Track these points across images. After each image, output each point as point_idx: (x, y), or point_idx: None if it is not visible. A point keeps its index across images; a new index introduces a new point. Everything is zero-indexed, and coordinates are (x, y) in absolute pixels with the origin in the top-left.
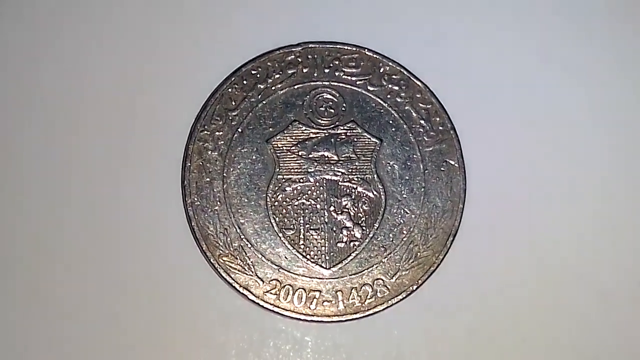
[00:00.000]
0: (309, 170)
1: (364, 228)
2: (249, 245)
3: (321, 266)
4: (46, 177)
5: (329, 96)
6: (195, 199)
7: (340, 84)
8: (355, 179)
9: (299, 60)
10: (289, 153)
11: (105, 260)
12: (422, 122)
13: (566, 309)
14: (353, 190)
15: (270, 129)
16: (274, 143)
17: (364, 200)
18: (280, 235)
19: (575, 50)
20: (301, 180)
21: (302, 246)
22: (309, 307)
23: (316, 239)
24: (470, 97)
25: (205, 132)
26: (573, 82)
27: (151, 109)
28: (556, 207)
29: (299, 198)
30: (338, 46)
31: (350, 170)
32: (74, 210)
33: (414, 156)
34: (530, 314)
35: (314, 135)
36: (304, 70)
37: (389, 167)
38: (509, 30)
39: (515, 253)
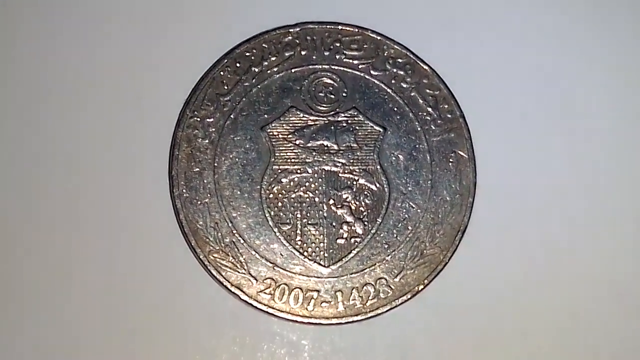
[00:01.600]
0: (307, 160)
1: (365, 223)
2: (242, 241)
3: (319, 264)
4: (22, 167)
5: (328, 81)
6: (184, 191)
7: (341, 68)
8: (357, 170)
9: (297, 41)
10: (285, 142)
11: (85, 255)
12: (429, 109)
13: (581, 312)
14: (354, 183)
15: (266, 116)
16: (269, 131)
17: (366, 193)
18: (276, 230)
19: (595, 34)
20: (298, 171)
21: (299, 242)
22: (306, 308)
23: (314, 235)
24: (481, 83)
25: (195, 118)
26: (592, 68)
27: (136, 93)
28: (573, 203)
29: (295, 190)
30: (339, 27)
31: (351, 161)
32: (53, 201)
33: (420, 146)
34: (544, 316)
35: (313, 123)
36: (302, 53)
37: (393, 158)
38: (525, 11)
39: (528, 251)
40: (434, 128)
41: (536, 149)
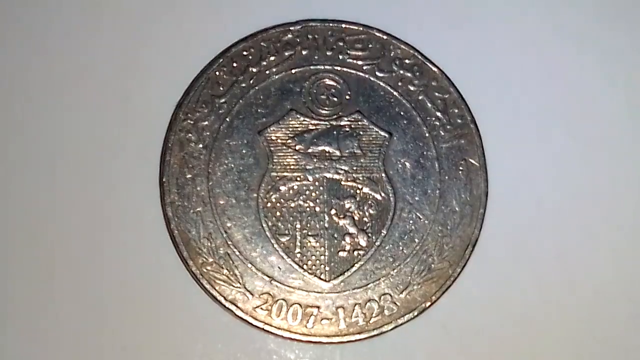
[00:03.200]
0: (307, 167)
1: (369, 235)
2: (237, 253)
3: (320, 278)
4: (3, 172)
5: (331, 82)
6: (176, 198)
7: (345, 69)
8: (361, 178)
9: (298, 40)
10: (284, 147)
11: (69, 266)
12: (438, 114)
13: (600, 332)
14: (358, 191)
15: (264, 119)
16: (267, 135)
17: (370, 202)
18: (273, 241)
19: (614, 35)
20: (298, 179)
21: (298, 255)
22: (306, 326)
23: (314, 247)
24: (493, 86)
25: (189, 121)
26: (610, 71)
27: (126, 94)
28: (591, 215)
29: (295, 199)
30: (343, 25)
31: (354, 168)
32: (36, 207)
33: (428, 153)
34: (561, 337)
35: (314, 127)
36: (303, 52)
37: (400, 165)
38: (541, 10)
39: (543, 267)
40: (443, 134)
41: (552, 156)
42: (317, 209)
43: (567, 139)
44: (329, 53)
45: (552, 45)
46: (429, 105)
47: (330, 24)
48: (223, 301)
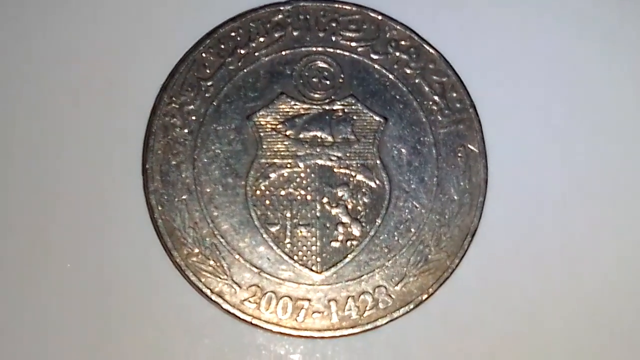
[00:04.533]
0: (298, 153)
1: (363, 224)
2: (224, 243)
3: (311, 270)
4: None
5: (323, 65)
6: (159, 186)
7: (338, 51)
8: (354, 165)
9: (288, 20)
10: (274, 132)
11: (48, 257)
12: (436, 97)
13: (605, 326)
14: (351, 179)
15: (252, 103)
16: (256, 120)
17: (364, 190)
18: (262, 231)
19: (620, 15)
20: (288, 166)
21: (288, 245)
22: (296, 320)
23: (305, 237)
24: (494, 69)
25: (173, 105)
26: (618, 53)
27: (107, 77)
28: (595, 203)
29: (285, 187)
30: (336, 4)
31: (348, 155)
32: (14, 195)
33: (425, 139)
34: (563, 330)
35: (305, 112)
36: (294, 33)
37: (395, 152)
38: None
39: (545, 258)
40: (440, 119)
41: (554, 142)
42: (309, 197)
43: (570, 124)
44: (321, 34)
45: (555, 26)
46: (426, 89)
47: (323, 4)
48: (209, 294)
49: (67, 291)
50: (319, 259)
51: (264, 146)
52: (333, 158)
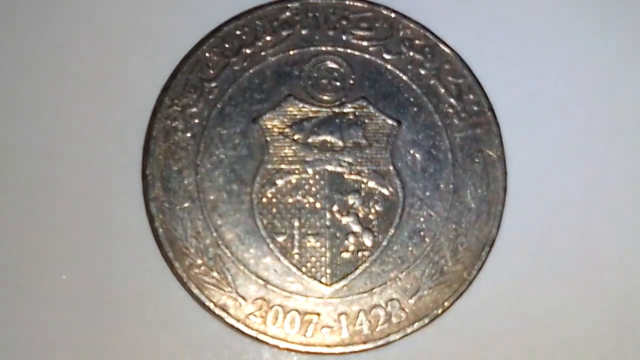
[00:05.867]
0: (307, 159)
1: (375, 234)
2: (229, 254)
3: (320, 282)
4: None
5: (333, 65)
6: (160, 193)
7: (348, 50)
8: (366, 171)
9: (296, 18)
10: (281, 137)
11: (41, 268)
12: (452, 100)
13: (630, 340)
14: (362, 186)
15: (259, 106)
16: (262, 123)
17: (376, 198)
18: (269, 241)
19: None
20: (296, 172)
21: (296, 256)
22: (304, 335)
23: (314, 247)
24: (512, 70)
25: (175, 107)
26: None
27: (105, 77)
28: (621, 212)
29: (293, 194)
30: (346, 2)
31: (359, 160)
32: (3, 203)
33: (441, 143)
34: (587, 346)
35: (314, 115)
36: (303, 32)
37: (409, 157)
38: None
39: (567, 269)
40: (457, 122)
41: (577, 147)
42: (318, 205)
43: (594, 127)
44: (330, 33)
45: (577, 24)
46: (442, 90)
47: (333, 1)
48: (212, 307)
49: (62, 303)
50: (328, 271)
51: (271, 151)
52: (343, 164)
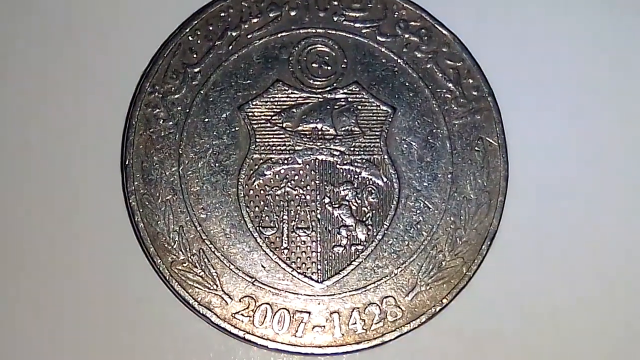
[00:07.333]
0: (297, 148)
1: (369, 227)
2: (213, 249)
3: (311, 278)
4: None
5: (324, 49)
6: (141, 185)
7: (340, 33)
8: (359, 161)
9: None
10: (269, 124)
11: (15, 264)
12: (450, 85)
13: (637, 338)
14: (355, 176)
15: (245, 92)
16: (249, 111)
17: (370, 189)
18: (256, 235)
19: None
20: (285, 162)
21: (285, 251)
22: (295, 335)
23: (305, 242)
24: (514, 52)
25: (156, 94)
26: None
27: (82, 62)
28: (628, 201)
29: (281, 186)
30: None
31: (352, 149)
32: None
33: (439, 131)
34: (592, 343)
35: (304, 101)
36: (291, 13)
37: (405, 146)
38: None
39: (571, 263)
40: (455, 108)
41: (582, 135)
42: (308, 197)
43: (599, 114)
44: (321, 14)
45: (581, 4)
46: (439, 75)
47: None
48: (196, 306)
49: (37, 301)
50: (319, 267)
51: (258, 140)
52: (335, 153)
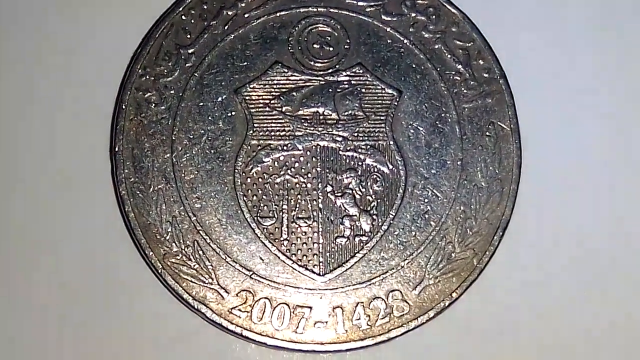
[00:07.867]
0: (297, 133)
1: (374, 217)
2: (208, 241)
3: (312, 271)
4: None
5: (326, 28)
6: (131, 173)
7: (343, 11)
8: (363, 147)
9: None
10: (267, 109)
11: (3, 255)
12: (460, 66)
13: None
14: (360, 163)
15: (242, 75)
16: (246, 94)
17: (374, 177)
18: (254, 226)
19: None
20: (285, 148)
21: (285, 242)
22: (295, 331)
23: (305, 233)
24: (526, 32)
25: (147, 77)
26: None
27: (70, 43)
28: None
29: (281, 173)
30: None
31: (355, 135)
32: None
33: (447, 115)
34: (609, 337)
35: (304, 84)
36: None
37: (412, 131)
38: None
39: (587, 255)
40: (465, 91)
41: (599, 119)
42: (309, 185)
43: (616, 97)
44: None
45: None
46: (448, 56)
47: None
48: (191, 301)
49: (22, 296)
50: (321, 259)
51: (256, 125)
52: (338, 139)
